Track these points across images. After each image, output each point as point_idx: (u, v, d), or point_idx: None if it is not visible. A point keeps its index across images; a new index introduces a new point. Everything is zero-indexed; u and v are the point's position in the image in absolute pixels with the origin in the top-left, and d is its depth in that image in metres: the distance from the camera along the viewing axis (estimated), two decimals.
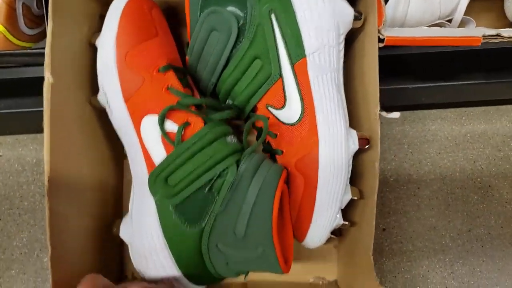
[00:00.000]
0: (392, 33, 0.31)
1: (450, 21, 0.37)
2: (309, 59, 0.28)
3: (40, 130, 0.48)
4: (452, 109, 0.47)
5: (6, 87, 0.40)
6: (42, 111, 0.41)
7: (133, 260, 0.29)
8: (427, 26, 0.36)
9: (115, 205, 0.37)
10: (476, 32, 0.31)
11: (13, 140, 0.47)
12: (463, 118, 0.46)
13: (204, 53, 0.29)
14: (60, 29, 0.26)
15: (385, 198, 0.43)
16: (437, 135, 0.46)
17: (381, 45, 0.30)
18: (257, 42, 0.28)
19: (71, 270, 0.28)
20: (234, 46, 0.28)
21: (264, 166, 0.27)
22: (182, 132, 0.26)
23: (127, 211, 0.31)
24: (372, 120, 0.29)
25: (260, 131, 0.32)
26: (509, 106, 0.47)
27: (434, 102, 0.46)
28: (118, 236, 0.31)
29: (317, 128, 0.28)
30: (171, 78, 0.27)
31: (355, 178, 0.32)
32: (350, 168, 0.30)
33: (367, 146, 0.30)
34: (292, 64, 0.28)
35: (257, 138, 0.33)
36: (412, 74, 0.40)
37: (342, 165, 0.28)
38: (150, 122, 0.26)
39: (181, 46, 0.33)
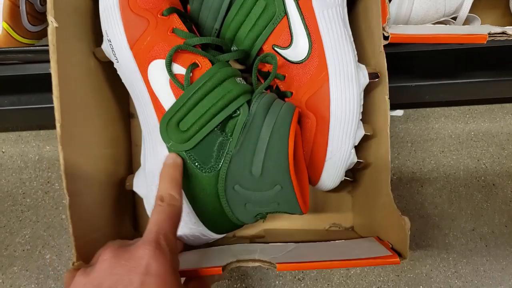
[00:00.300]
0: (396, 31, 0.30)
1: (454, 18, 0.37)
2: None
3: (43, 127, 0.48)
4: (456, 107, 0.47)
5: (9, 83, 0.40)
6: (45, 107, 0.41)
7: (149, 214, 0.28)
8: (432, 24, 0.36)
9: (126, 162, 0.37)
10: (482, 30, 0.31)
11: (15, 136, 0.47)
12: (467, 116, 0.46)
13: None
14: None
15: None
16: (441, 133, 0.46)
17: (386, 42, 0.30)
18: None
19: (89, 224, 0.28)
20: None
21: (276, 104, 0.26)
22: (191, 74, 0.25)
23: (138, 169, 0.31)
24: (378, 54, 0.29)
25: (267, 75, 0.31)
26: None
27: (438, 100, 0.46)
28: (131, 192, 0.30)
29: (326, 62, 0.27)
30: (176, 21, 0.26)
31: (366, 116, 0.32)
32: (362, 103, 0.29)
33: (376, 79, 0.30)
34: (297, 0, 0.27)
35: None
36: (416, 72, 0.40)
37: (354, 98, 0.28)
38: (157, 67, 0.25)
39: None
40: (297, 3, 0.27)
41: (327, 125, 0.28)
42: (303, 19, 0.27)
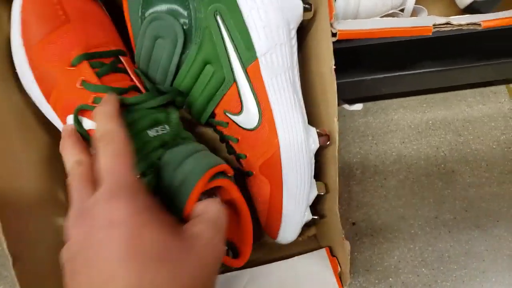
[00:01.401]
0: (344, 26, 0.30)
1: (402, 10, 0.37)
2: (261, 61, 0.27)
3: None
4: (413, 97, 0.47)
5: None
6: None
7: None
8: (380, 17, 0.36)
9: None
10: (427, 21, 0.31)
11: None
12: (424, 105, 0.47)
13: (152, 61, 0.27)
14: None
15: (352, 192, 0.43)
16: (400, 124, 0.46)
17: (334, 39, 0.30)
18: (205, 47, 0.26)
19: (39, 278, 0.25)
20: (182, 52, 0.26)
21: (193, 159, 0.23)
22: None
23: None
24: (332, 121, 0.29)
25: (221, 135, 0.31)
26: (466, 91, 0.47)
27: (394, 92, 0.46)
28: None
29: (277, 131, 0.27)
30: (85, 71, 0.24)
31: (318, 171, 0.32)
32: (313, 167, 0.29)
33: (327, 143, 0.30)
34: (245, 68, 0.26)
35: (221, 142, 0.32)
36: (369, 66, 0.40)
37: (305, 165, 0.28)
38: (72, 122, 0.24)
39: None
40: (245, 70, 0.26)
41: (280, 191, 0.28)
42: (251, 87, 0.27)
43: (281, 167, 0.28)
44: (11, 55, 0.27)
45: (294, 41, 0.29)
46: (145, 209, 0.17)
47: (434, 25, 0.30)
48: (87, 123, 0.24)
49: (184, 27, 0.26)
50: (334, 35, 0.29)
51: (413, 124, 0.46)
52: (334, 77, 0.29)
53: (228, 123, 0.29)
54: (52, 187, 0.31)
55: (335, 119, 0.29)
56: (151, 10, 0.26)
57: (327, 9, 0.29)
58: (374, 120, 0.46)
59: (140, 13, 0.27)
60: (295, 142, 0.28)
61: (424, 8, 0.37)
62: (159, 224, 0.17)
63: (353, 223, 0.42)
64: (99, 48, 0.26)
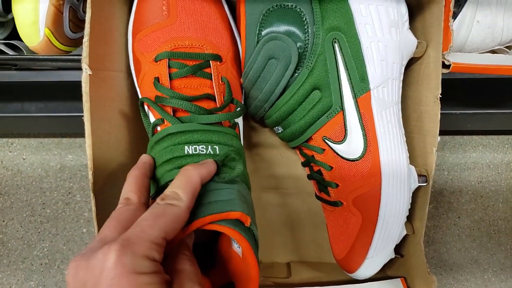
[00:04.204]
0: (456, 59, 0.29)
1: (509, 47, 0.35)
2: (373, 94, 0.26)
3: (66, 135, 0.47)
4: (494, 136, 0.45)
5: (38, 90, 0.38)
6: (72, 116, 0.39)
7: None
8: (485, 52, 0.35)
9: None
10: None
11: (37, 143, 0.45)
12: (506, 146, 0.45)
13: (260, 80, 0.27)
14: (98, 15, 0.24)
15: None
16: (478, 162, 0.44)
17: (446, 71, 0.29)
18: (317, 72, 0.26)
19: None
20: (291, 75, 0.26)
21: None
22: (158, 128, 0.25)
23: None
24: (429, 155, 0.28)
25: (311, 160, 0.30)
26: None
27: (480, 129, 0.44)
28: None
29: (381, 167, 0.27)
30: (162, 69, 0.24)
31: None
32: (409, 206, 0.28)
33: (425, 184, 0.29)
34: (356, 98, 0.26)
35: (304, 165, 0.31)
36: (461, 100, 0.38)
37: (404, 204, 0.27)
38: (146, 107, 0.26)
39: None
40: (356, 100, 0.26)
41: (373, 227, 0.27)
42: (360, 118, 0.26)
43: (379, 203, 0.27)
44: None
45: (402, 77, 0.28)
46: (139, 277, 0.16)
47: None
48: (152, 118, 0.25)
49: (299, 50, 0.26)
50: (447, 67, 0.29)
51: (493, 164, 0.44)
52: (439, 106, 0.28)
53: (324, 150, 0.28)
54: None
55: (434, 150, 0.29)
56: (269, 30, 0.27)
57: (441, 39, 0.28)
58: (451, 155, 0.44)
59: (257, 31, 0.27)
60: (398, 179, 0.27)
61: None
62: None
63: None
64: (188, 49, 0.26)
